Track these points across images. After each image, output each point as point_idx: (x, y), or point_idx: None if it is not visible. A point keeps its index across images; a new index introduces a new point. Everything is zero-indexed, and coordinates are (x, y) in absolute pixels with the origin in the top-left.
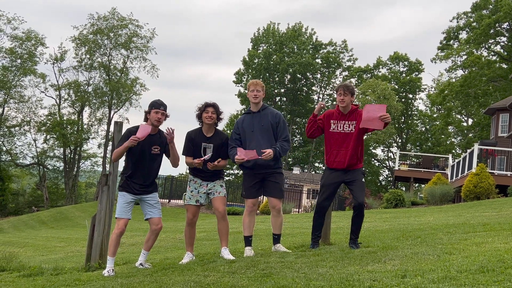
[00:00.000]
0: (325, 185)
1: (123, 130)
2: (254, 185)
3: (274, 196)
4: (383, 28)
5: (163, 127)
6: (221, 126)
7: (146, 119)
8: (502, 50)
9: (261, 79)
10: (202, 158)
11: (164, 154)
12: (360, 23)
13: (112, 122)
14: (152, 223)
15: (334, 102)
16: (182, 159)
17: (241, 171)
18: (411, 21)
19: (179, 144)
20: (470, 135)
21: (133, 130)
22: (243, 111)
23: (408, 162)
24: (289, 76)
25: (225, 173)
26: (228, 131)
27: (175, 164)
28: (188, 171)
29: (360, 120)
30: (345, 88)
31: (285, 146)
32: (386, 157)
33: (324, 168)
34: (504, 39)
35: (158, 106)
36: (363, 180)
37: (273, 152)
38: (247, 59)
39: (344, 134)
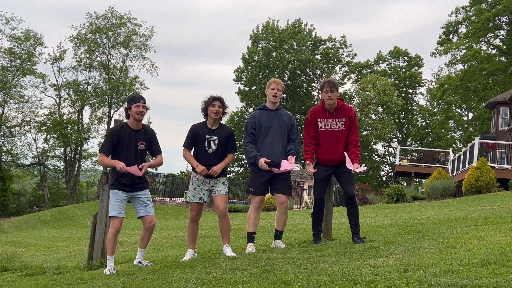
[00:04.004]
0: (318, 179)
1: None
2: (264, 183)
3: (283, 193)
4: (387, 23)
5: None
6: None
7: (127, 115)
8: (501, 44)
9: (260, 76)
10: (206, 172)
11: (148, 151)
12: (364, 19)
13: (112, 121)
14: (145, 221)
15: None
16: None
17: (242, 168)
18: (414, 16)
19: (175, 143)
20: (471, 129)
21: (116, 130)
22: (243, 108)
23: (408, 157)
24: (288, 73)
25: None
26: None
27: (159, 166)
28: (189, 169)
29: (348, 116)
30: (331, 84)
31: (298, 149)
32: (387, 153)
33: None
34: (503, 32)
35: (138, 100)
36: (352, 171)
37: (294, 157)
38: (247, 56)
39: (333, 132)
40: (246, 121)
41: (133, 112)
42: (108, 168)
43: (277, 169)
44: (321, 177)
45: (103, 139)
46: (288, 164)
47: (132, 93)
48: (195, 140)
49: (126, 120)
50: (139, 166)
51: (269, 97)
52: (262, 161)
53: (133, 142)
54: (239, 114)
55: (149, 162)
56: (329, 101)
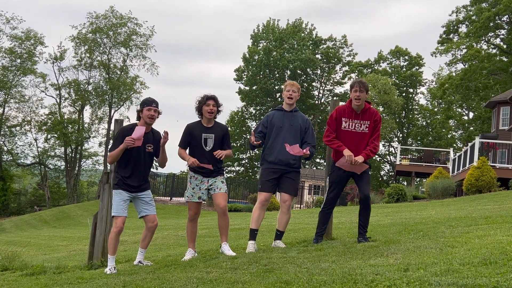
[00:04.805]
0: (335, 181)
1: None
2: (271, 180)
3: (287, 192)
4: (388, 23)
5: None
6: (221, 122)
7: (138, 118)
8: (502, 43)
9: (261, 76)
10: (201, 164)
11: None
12: (364, 18)
13: (113, 121)
14: (148, 221)
15: (335, 98)
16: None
17: (242, 168)
18: (414, 15)
19: (172, 142)
20: (471, 128)
21: (127, 129)
22: (243, 108)
23: (409, 157)
24: (289, 72)
25: (226, 170)
26: (229, 128)
27: (163, 164)
28: (188, 169)
29: (373, 119)
30: (360, 84)
31: (313, 151)
32: (387, 152)
33: (324, 162)
34: (503, 32)
35: (150, 104)
36: (369, 173)
37: (309, 152)
38: (247, 55)
39: (356, 134)
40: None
41: (144, 115)
42: (108, 168)
43: (289, 147)
44: (338, 179)
45: (104, 139)
46: (299, 149)
47: (148, 96)
48: (190, 139)
49: (137, 122)
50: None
51: (285, 99)
52: (251, 138)
53: (142, 144)
54: (240, 113)
55: (163, 146)
56: (356, 102)
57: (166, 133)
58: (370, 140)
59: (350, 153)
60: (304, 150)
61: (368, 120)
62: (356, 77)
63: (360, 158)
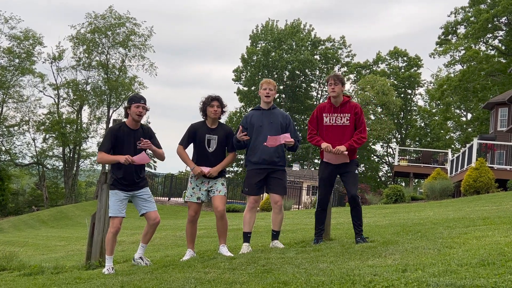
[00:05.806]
0: (322, 178)
1: None
2: (258, 183)
3: (277, 192)
4: (387, 24)
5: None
6: (221, 121)
7: (126, 115)
8: (500, 44)
9: (260, 76)
10: (204, 173)
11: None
12: (363, 20)
13: (111, 121)
14: (149, 218)
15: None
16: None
17: (241, 168)
18: (413, 16)
19: (172, 142)
20: (469, 129)
21: (116, 129)
22: (241, 108)
23: (407, 158)
24: (287, 73)
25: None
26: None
27: (160, 158)
28: (188, 169)
29: (354, 112)
30: (335, 78)
31: (297, 144)
32: (386, 153)
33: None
34: (502, 33)
35: (138, 100)
36: (356, 171)
37: (294, 142)
38: (246, 56)
39: (338, 127)
40: None
41: (132, 112)
42: (107, 168)
43: (267, 143)
44: (325, 176)
45: (101, 139)
46: (276, 137)
47: (134, 93)
48: (194, 138)
49: (125, 120)
50: (143, 146)
51: (262, 98)
52: (238, 133)
53: (132, 141)
54: (238, 114)
55: (150, 146)
56: (332, 93)
57: (144, 142)
58: (355, 132)
59: (327, 144)
60: (284, 136)
61: (348, 113)
62: (354, 77)
63: (342, 147)
